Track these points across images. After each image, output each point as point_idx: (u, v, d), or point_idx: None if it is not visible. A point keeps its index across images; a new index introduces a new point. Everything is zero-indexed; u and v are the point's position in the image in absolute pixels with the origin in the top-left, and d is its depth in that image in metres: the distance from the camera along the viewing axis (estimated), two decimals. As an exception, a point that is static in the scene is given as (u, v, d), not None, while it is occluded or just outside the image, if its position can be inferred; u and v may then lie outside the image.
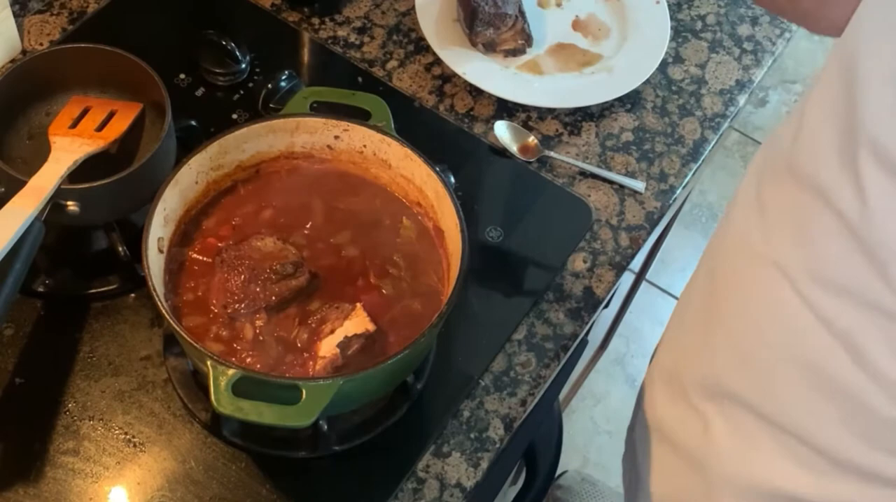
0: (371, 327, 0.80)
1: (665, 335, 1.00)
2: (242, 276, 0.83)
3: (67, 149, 0.89)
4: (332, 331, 0.80)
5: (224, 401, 0.72)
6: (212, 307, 0.82)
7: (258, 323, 0.82)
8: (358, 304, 0.81)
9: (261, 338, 0.81)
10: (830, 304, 0.72)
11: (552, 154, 1.08)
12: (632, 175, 1.08)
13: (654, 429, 0.97)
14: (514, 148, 1.08)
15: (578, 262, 1.02)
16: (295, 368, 0.80)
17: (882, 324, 0.69)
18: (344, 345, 0.79)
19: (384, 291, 0.85)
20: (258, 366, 0.80)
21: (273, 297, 0.83)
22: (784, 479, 0.80)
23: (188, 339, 0.76)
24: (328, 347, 0.80)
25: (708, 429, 0.86)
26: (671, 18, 1.18)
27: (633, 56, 1.14)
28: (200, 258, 0.85)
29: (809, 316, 0.73)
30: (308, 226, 0.88)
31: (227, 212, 0.89)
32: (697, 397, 0.87)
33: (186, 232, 0.86)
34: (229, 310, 0.82)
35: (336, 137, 0.91)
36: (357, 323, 0.80)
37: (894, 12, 0.65)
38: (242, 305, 0.82)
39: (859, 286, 0.69)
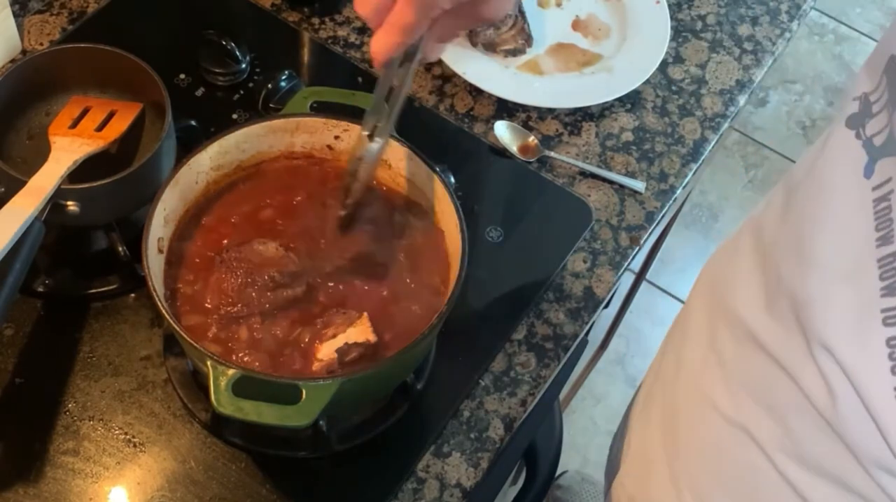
0: (373, 338, 0.80)
1: (625, 458, 0.98)
2: (239, 279, 0.83)
3: (67, 149, 0.89)
4: (334, 336, 0.80)
5: (224, 401, 0.72)
6: (206, 305, 0.82)
7: (254, 325, 0.82)
8: (364, 314, 0.81)
9: (257, 336, 0.81)
10: (806, 480, 0.70)
11: (552, 154, 1.08)
12: (632, 175, 1.08)
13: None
14: (514, 148, 1.08)
15: (578, 262, 1.02)
16: (290, 367, 0.80)
17: None
18: (343, 351, 0.79)
19: (384, 292, 0.85)
20: (256, 364, 0.79)
21: (267, 305, 0.82)
22: None
23: (188, 340, 0.76)
24: (327, 351, 0.80)
25: None
26: (671, 18, 1.18)
27: (633, 56, 1.14)
28: (202, 252, 0.85)
29: (784, 487, 0.72)
30: (309, 225, 0.88)
31: (227, 210, 0.88)
32: None
33: (187, 228, 0.86)
34: (222, 312, 0.82)
35: (336, 137, 0.91)
36: (360, 331, 0.80)
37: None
38: (235, 308, 0.82)
39: (836, 469, 0.67)
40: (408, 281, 0.86)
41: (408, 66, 0.76)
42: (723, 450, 0.78)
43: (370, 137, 0.82)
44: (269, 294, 0.82)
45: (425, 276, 0.86)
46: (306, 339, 0.81)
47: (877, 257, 0.62)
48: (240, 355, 0.80)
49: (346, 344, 0.79)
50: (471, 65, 1.11)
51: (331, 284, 0.85)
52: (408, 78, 0.78)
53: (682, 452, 0.84)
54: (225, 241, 0.86)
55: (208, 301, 0.82)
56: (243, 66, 1.08)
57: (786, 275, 0.71)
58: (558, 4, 1.20)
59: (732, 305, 0.79)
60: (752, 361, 0.74)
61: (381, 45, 0.71)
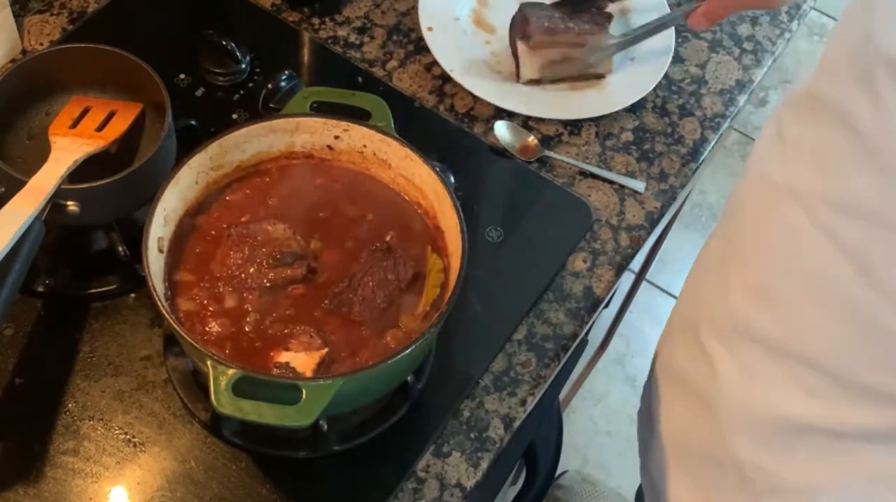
0: (309, 374, 0.79)
1: (685, 283, 1.02)
2: (242, 254, 0.84)
3: (67, 149, 0.89)
4: (287, 350, 0.80)
5: (224, 401, 0.73)
6: (207, 276, 0.83)
7: (248, 297, 0.83)
8: (325, 351, 0.81)
9: (245, 308, 0.82)
10: (844, 226, 0.73)
11: (552, 154, 1.08)
12: (632, 175, 1.08)
13: (667, 376, 0.99)
14: (514, 148, 1.08)
15: (578, 262, 1.02)
16: (251, 353, 0.81)
17: (894, 243, 0.70)
18: (280, 366, 0.79)
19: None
20: (218, 329, 0.81)
21: (265, 281, 0.83)
22: (795, 408, 0.81)
23: (188, 339, 0.76)
24: (284, 357, 0.80)
25: (716, 369, 0.87)
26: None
27: (627, 78, 1.13)
28: (208, 231, 0.86)
29: (824, 240, 0.74)
30: (310, 221, 0.89)
31: (226, 210, 0.89)
32: (709, 340, 0.89)
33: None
34: (221, 283, 0.83)
35: (336, 137, 0.91)
36: (305, 362, 0.80)
37: None
38: (235, 281, 0.83)
39: (873, 206, 0.70)
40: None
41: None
42: (771, 224, 0.81)
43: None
44: (268, 271, 0.83)
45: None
46: (272, 336, 0.82)
47: None
48: (212, 322, 0.81)
49: (286, 363, 0.80)
50: (466, 66, 1.11)
51: (329, 283, 0.85)
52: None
53: (738, 242, 0.88)
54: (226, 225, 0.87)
55: (210, 271, 0.84)
56: (243, 66, 1.08)
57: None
58: None
59: (800, 83, 0.82)
60: (806, 123, 0.78)
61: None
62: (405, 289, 0.85)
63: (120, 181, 0.86)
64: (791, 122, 0.81)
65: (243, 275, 0.84)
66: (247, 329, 0.82)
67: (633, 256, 1.04)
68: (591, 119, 1.12)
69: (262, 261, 0.84)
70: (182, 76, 1.08)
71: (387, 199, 0.91)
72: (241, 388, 0.73)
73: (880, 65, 0.67)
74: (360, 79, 1.12)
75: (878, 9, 0.68)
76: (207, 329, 0.81)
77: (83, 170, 0.88)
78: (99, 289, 0.93)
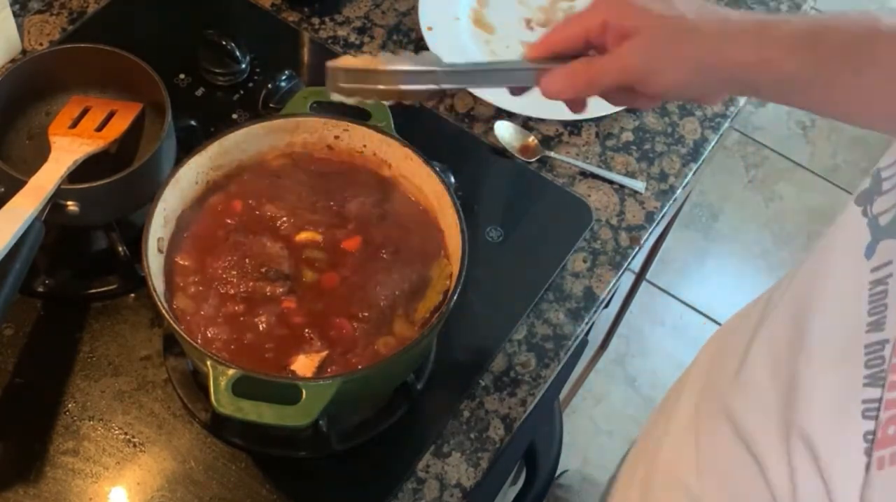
0: (309, 375, 0.79)
1: None
2: (231, 259, 0.84)
3: (67, 149, 0.89)
4: (295, 354, 0.81)
5: (224, 401, 0.73)
6: (204, 277, 0.84)
7: (231, 295, 0.83)
8: (325, 352, 0.81)
9: (225, 310, 0.82)
10: None
11: (552, 154, 1.08)
12: (632, 175, 1.08)
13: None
14: (514, 148, 1.08)
15: (578, 262, 1.02)
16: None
17: None
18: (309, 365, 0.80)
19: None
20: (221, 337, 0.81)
21: (243, 290, 0.83)
22: None
23: (188, 339, 0.76)
24: (301, 363, 0.80)
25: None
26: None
27: None
28: (207, 231, 0.87)
29: None
30: (311, 219, 0.89)
31: (225, 210, 0.89)
32: None
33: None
34: (217, 283, 0.83)
35: (336, 137, 0.91)
36: (305, 363, 0.80)
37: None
38: (216, 283, 0.83)
39: None
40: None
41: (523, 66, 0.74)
42: None
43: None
44: (249, 282, 0.83)
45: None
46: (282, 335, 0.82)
47: (865, 343, 0.61)
48: (212, 323, 0.81)
49: (290, 369, 0.80)
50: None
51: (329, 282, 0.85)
52: (506, 74, 0.76)
53: None
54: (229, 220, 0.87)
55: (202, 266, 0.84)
56: (243, 65, 1.08)
57: (777, 356, 0.69)
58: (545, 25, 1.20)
59: (719, 381, 0.77)
60: (725, 444, 0.73)
61: (558, 85, 0.72)
62: (408, 291, 0.85)
63: (120, 181, 0.86)
64: (708, 423, 0.77)
65: (225, 277, 0.84)
66: (247, 332, 0.82)
67: (633, 256, 1.04)
68: (591, 119, 1.12)
69: (247, 271, 0.84)
70: (182, 76, 1.08)
71: (390, 198, 0.91)
72: (241, 388, 0.73)
73: (799, 439, 0.64)
74: (360, 79, 1.11)
75: (805, 376, 0.65)
76: (208, 330, 0.81)
77: (83, 171, 0.88)
78: (99, 290, 0.93)
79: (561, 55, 0.72)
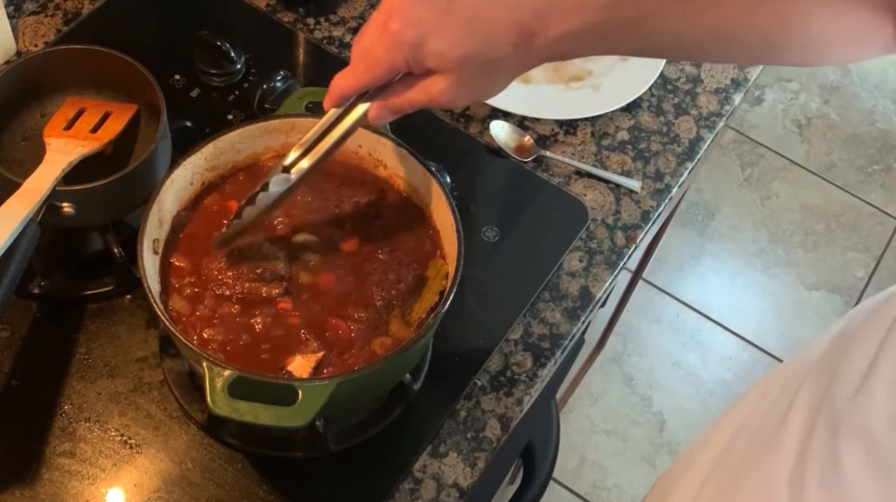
0: (305, 375, 0.79)
1: None
2: (226, 261, 0.84)
3: (62, 150, 0.89)
4: (291, 355, 0.81)
5: (220, 403, 0.72)
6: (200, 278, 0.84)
7: (227, 308, 0.83)
8: (321, 353, 0.81)
9: (224, 311, 0.83)
10: None
11: (548, 153, 1.08)
12: (627, 174, 1.08)
13: None
14: (509, 148, 1.08)
15: (574, 261, 1.02)
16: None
17: None
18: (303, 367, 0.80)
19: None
20: (219, 337, 0.81)
21: (239, 291, 0.83)
22: None
23: (184, 341, 0.76)
24: (298, 364, 0.80)
25: None
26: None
27: (622, 78, 1.13)
28: (203, 232, 0.87)
29: None
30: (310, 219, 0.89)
31: (221, 211, 0.88)
32: None
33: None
34: (212, 285, 0.83)
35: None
36: (301, 364, 0.80)
37: None
38: (211, 284, 0.83)
39: None
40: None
41: (351, 121, 0.78)
42: None
43: (286, 169, 0.81)
44: (245, 283, 0.83)
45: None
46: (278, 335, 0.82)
47: None
48: (208, 325, 0.82)
49: (284, 369, 0.80)
50: None
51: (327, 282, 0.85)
52: (346, 131, 0.79)
53: None
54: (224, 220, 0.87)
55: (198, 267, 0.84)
56: (238, 66, 1.08)
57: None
58: None
59: (836, 405, 0.70)
60: (856, 474, 0.66)
61: (341, 80, 0.75)
62: (405, 291, 0.85)
63: (115, 182, 0.86)
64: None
65: (221, 278, 0.84)
66: (243, 334, 0.82)
67: (629, 255, 1.04)
68: (586, 118, 1.12)
69: (243, 272, 0.84)
70: (177, 77, 1.08)
71: (386, 198, 0.91)
72: (237, 390, 0.73)
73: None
74: (355, 79, 1.11)
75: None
76: (203, 332, 0.81)
77: (78, 172, 0.88)
78: (94, 291, 0.93)
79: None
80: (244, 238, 0.84)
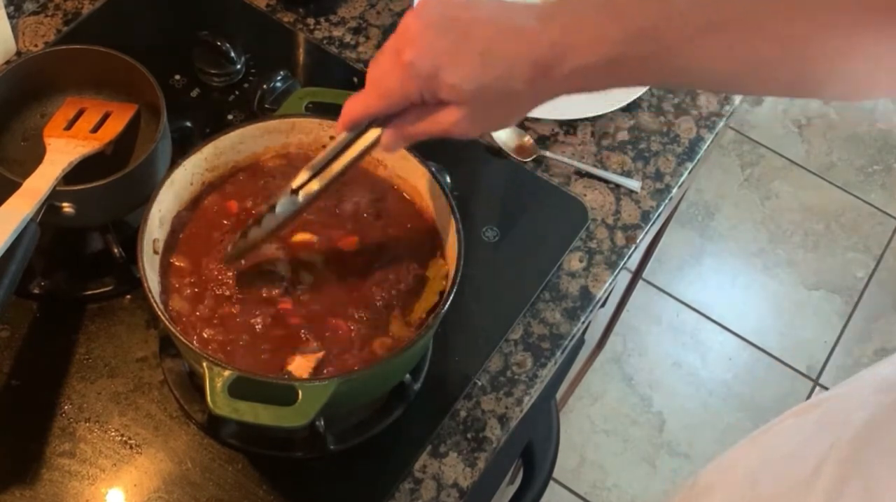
0: (305, 376, 0.79)
1: None
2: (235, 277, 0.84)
3: (62, 150, 0.89)
4: (291, 355, 0.81)
5: (220, 403, 0.72)
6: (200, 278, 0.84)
7: (227, 296, 0.83)
8: (321, 353, 0.81)
9: (225, 310, 0.82)
10: None
11: (548, 154, 1.08)
12: (627, 174, 1.08)
13: None
14: (509, 148, 1.08)
15: (574, 262, 1.02)
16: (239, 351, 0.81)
17: None
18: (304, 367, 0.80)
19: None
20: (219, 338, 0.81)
21: (239, 291, 0.83)
22: None
23: (184, 341, 0.76)
24: (299, 363, 0.80)
25: None
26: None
27: None
28: (203, 232, 0.86)
29: None
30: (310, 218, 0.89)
31: (221, 211, 0.88)
32: None
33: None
34: (213, 285, 0.83)
35: (332, 138, 0.91)
36: (301, 364, 0.80)
37: None
38: (211, 284, 0.83)
39: None
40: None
41: (363, 146, 0.77)
42: None
43: (294, 191, 0.80)
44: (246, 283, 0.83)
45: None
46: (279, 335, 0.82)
47: None
48: (208, 325, 0.81)
49: (285, 370, 0.80)
50: None
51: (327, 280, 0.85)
52: (357, 156, 0.78)
53: None
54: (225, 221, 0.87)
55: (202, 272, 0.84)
56: (238, 66, 1.08)
57: None
58: None
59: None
60: None
61: (354, 105, 0.74)
62: (405, 291, 0.85)
63: (115, 182, 0.86)
64: None
65: (221, 278, 0.84)
66: (243, 334, 0.82)
67: (629, 255, 1.04)
68: (586, 118, 1.12)
69: (244, 273, 0.84)
70: (177, 77, 1.08)
71: (386, 198, 0.91)
72: (237, 390, 0.73)
73: None
74: (355, 79, 1.12)
75: None
76: (203, 332, 0.81)
77: (78, 172, 0.88)
78: (94, 291, 0.93)
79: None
80: (249, 258, 0.84)
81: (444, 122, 0.71)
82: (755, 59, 0.64)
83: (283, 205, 0.81)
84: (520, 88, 0.68)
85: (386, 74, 0.71)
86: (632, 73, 0.68)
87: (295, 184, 0.80)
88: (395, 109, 0.73)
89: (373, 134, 0.76)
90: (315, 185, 0.80)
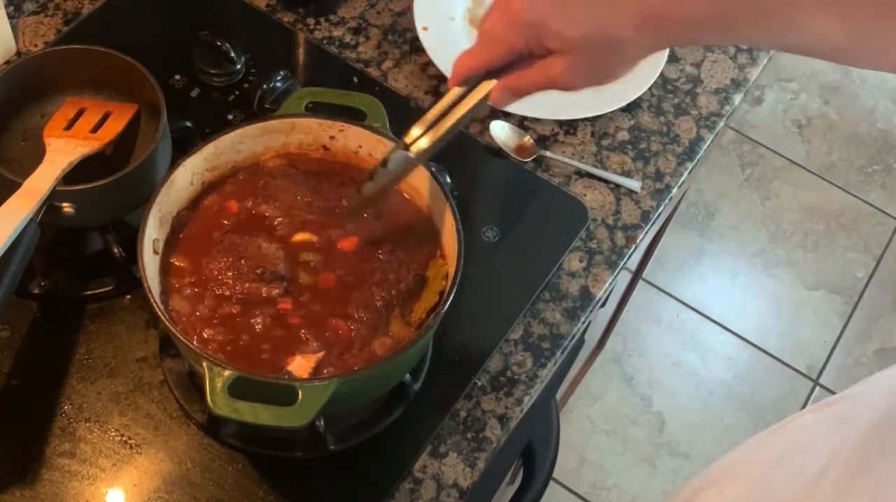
0: (305, 376, 0.79)
1: None
2: (226, 261, 0.84)
3: (62, 150, 0.89)
4: (290, 355, 0.81)
5: (220, 403, 0.72)
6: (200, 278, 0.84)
7: (227, 295, 0.83)
8: (321, 353, 0.81)
9: (223, 311, 0.83)
10: None
11: (548, 154, 1.08)
12: (627, 174, 1.08)
13: None
14: (510, 148, 1.08)
15: (574, 262, 1.02)
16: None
17: None
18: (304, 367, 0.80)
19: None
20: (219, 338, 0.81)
21: (239, 291, 0.83)
22: None
23: (183, 341, 0.76)
24: (299, 363, 0.80)
25: None
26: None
27: (622, 78, 1.13)
28: (203, 232, 0.87)
29: None
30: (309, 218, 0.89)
31: (220, 211, 0.88)
32: None
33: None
34: (213, 285, 0.83)
35: (332, 138, 0.91)
36: (301, 364, 0.80)
37: None
38: (212, 284, 0.83)
39: None
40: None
41: (474, 101, 0.77)
42: None
43: (406, 147, 0.81)
44: (245, 283, 0.83)
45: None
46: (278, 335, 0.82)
47: None
48: (209, 325, 0.82)
49: (284, 370, 0.80)
50: None
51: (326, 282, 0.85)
52: (466, 111, 0.78)
53: None
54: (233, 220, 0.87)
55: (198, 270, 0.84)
56: (238, 66, 1.08)
57: None
58: None
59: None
60: None
61: (464, 59, 0.75)
62: (405, 291, 0.85)
63: (115, 182, 0.86)
64: None
65: (221, 278, 0.84)
66: (243, 334, 0.82)
67: (629, 255, 1.04)
68: (586, 118, 1.12)
69: (243, 272, 0.84)
70: (177, 77, 1.08)
71: (386, 198, 0.91)
72: (237, 390, 0.73)
73: None
74: (355, 79, 1.12)
75: None
76: (203, 332, 0.81)
77: (78, 172, 0.88)
78: (94, 291, 0.93)
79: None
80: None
81: (551, 72, 0.72)
82: (867, 27, 0.64)
83: (395, 161, 0.81)
84: (626, 36, 0.68)
85: (494, 26, 0.72)
86: (742, 31, 0.68)
87: (407, 139, 0.81)
88: (504, 61, 0.74)
89: (483, 89, 0.77)
90: (425, 142, 0.80)
